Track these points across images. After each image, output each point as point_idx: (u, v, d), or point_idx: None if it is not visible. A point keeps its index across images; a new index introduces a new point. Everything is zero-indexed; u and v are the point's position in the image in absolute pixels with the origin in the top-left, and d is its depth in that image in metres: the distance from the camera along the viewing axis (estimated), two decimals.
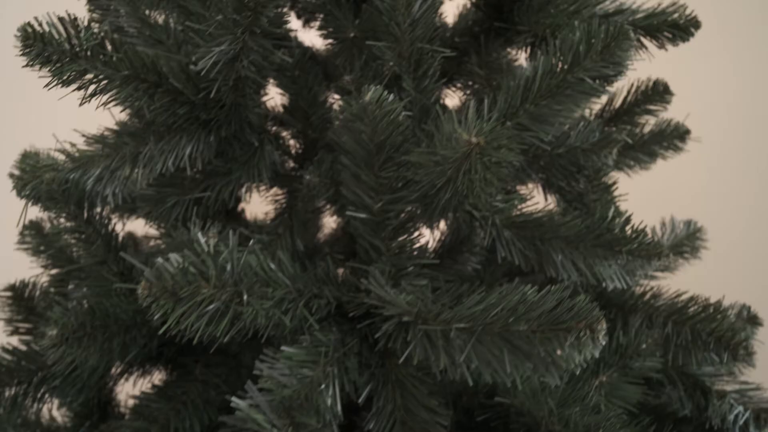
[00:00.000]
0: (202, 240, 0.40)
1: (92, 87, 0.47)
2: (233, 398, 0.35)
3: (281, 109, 0.69)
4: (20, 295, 0.71)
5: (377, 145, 0.40)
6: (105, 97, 0.48)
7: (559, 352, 0.33)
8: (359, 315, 0.46)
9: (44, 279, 0.70)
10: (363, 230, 0.46)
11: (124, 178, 0.54)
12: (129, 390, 0.63)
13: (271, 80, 0.67)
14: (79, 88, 0.46)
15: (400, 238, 0.45)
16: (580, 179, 0.58)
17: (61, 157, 0.53)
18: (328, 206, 0.72)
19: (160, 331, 0.36)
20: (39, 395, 0.51)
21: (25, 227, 0.68)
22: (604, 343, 0.34)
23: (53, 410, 0.75)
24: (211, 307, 0.39)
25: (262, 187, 0.69)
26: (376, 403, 0.45)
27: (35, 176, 0.51)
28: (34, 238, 0.67)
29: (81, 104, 0.46)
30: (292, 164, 0.71)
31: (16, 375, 0.50)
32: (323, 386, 0.41)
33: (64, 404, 0.72)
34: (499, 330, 0.36)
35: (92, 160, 0.54)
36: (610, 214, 0.51)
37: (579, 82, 0.47)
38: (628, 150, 0.75)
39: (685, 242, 0.76)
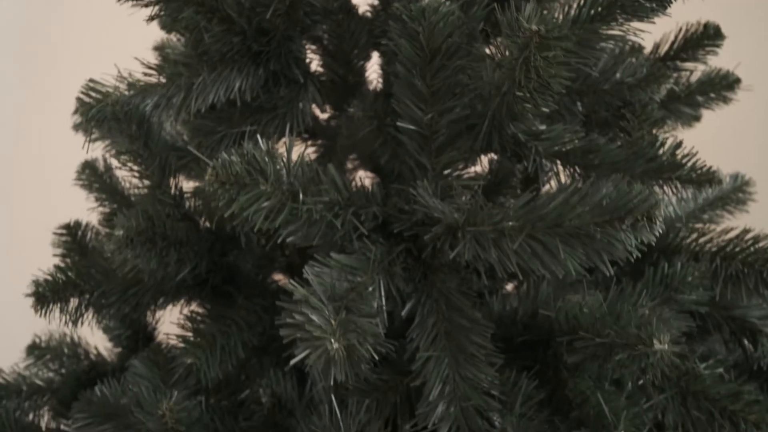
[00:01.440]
0: (261, 141, 0.42)
1: (158, 7, 0.49)
2: (290, 281, 0.37)
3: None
4: (74, 234, 0.74)
5: (432, 51, 0.40)
6: (168, 20, 0.51)
7: (615, 237, 0.33)
8: (404, 230, 0.47)
9: (96, 218, 0.73)
10: (410, 146, 0.47)
11: (178, 105, 0.56)
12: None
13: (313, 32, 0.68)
14: (146, 5, 0.48)
15: (448, 154, 0.46)
16: (626, 114, 0.58)
17: (123, 85, 0.55)
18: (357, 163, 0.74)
19: (227, 214, 0.37)
20: (99, 307, 0.53)
21: (81, 166, 0.72)
22: (661, 231, 0.34)
23: (101, 348, 0.79)
24: (268, 203, 0.40)
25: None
26: (420, 314, 0.46)
27: (100, 100, 0.54)
28: (89, 176, 0.71)
29: (148, 23, 0.49)
30: (331, 111, 0.72)
31: (79, 288, 0.53)
32: (371, 289, 0.42)
33: (113, 339, 0.76)
34: (552, 222, 0.36)
35: (151, 88, 0.56)
36: (660, 139, 0.51)
37: (632, 2, 0.47)
38: (672, 102, 0.74)
39: (731, 195, 0.74)
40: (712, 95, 0.74)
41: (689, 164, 0.49)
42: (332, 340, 0.33)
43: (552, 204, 0.37)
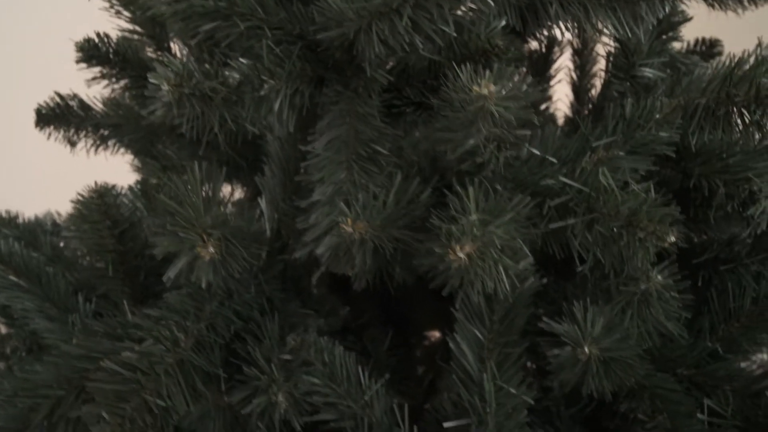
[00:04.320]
0: None
1: None
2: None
3: None
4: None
5: None
6: None
7: None
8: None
9: None
10: None
11: None
12: None
13: None
14: None
15: None
16: None
17: None
18: None
19: None
20: (95, 138, 0.62)
21: None
22: None
23: None
24: None
25: None
26: (327, 120, 0.46)
27: None
28: None
29: None
30: None
31: (78, 116, 0.62)
32: (270, 84, 0.43)
33: None
34: None
35: None
36: None
37: None
38: None
39: None
40: None
41: None
42: (165, 84, 0.35)
43: None
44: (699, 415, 0.43)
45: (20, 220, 0.74)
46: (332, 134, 0.46)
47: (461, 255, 0.32)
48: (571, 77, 0.80)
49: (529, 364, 0.49)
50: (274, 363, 0.39)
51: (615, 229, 0.38)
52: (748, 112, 0.43)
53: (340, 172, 0.45)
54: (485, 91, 0.32)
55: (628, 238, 0.37)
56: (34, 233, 0.73)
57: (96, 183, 0.49)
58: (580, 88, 0.81)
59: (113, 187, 0.50)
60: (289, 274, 0.58)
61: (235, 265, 0.36)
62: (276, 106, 0.44)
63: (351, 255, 0.37)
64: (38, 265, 0.61)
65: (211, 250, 0.33)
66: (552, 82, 0.82)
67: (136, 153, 0.65)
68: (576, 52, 0.80)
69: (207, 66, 0.38)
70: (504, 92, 0.32)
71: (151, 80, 0.36)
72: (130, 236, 0.49)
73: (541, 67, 0.75)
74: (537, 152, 0.46)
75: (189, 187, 0.35)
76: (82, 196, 0.48)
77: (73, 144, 0.62)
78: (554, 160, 0.46)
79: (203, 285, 0.35)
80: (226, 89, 0.38)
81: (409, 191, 0.41)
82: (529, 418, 0.48)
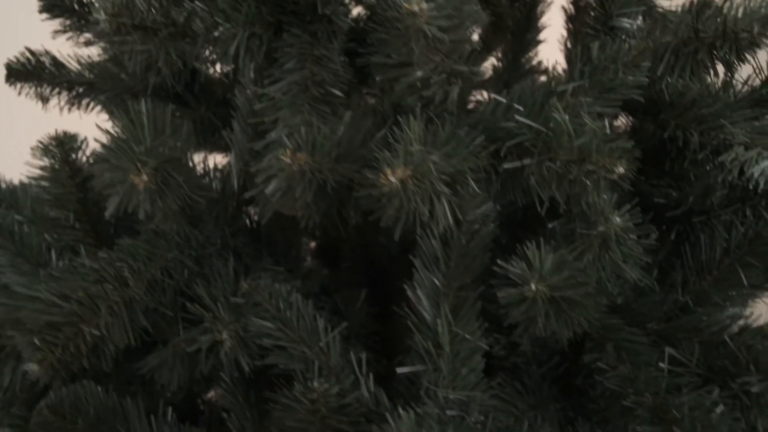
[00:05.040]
0: None
1: None
2: None
3: None
4: None
5: None
6: None
7: None
8: None
9: None
10: None
11: None
12: None
13: None
14: None
15: None
16: None
17: None
18: None
19: None
20: (71, 95, 0.61)
21: None
22: None
23: None
24: None
25: None
26: (285, 64, 0.45)
27: None
28: None
29: None
30: None
31: (51, 74, 0.61)
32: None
33: None
34: None
35: None
36: None
37: None
38: None
39: None
40: None
41: None
42: (103, 14, 0.35)
43: None
44: (660, 364, 0.42)
45: (2, 184, 0.75)
46: (291, 78, 0.45)
47: (393, 179, 0.31)
48: (565, 45, 0.79)
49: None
50: (221, 302, 0.39)
51: (568, 166, 0.37)
52: (716, 50, 0.41)
53: (296, 116, 0.44)
54: (416, 8, 0.31)
55: (579, 172, 0.35)
56: (15, 195, 0.74)
57: (56, 131, 0.49)
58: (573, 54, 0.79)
59: (75, 135, 0.50)
60: (264, 232, 0.58)
61: (174, 197, 0.35)
62: (232, 50, 0.44)
63: (293, 189, 0.36)
64: (12, 222, 0.61)
65: (145, 178, 0.33)
66: (540, 47, 0.80)
67: (112, 112, 0.65)
68: (569, 19, 0.78)
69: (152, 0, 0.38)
70: (437, 11, 0.31)
71: (93, 14, 0.35)
72: (92, 185, 0.49)
73: (524, 26, 0.73)
74: (501, 99, 0.44)
75: (131, 119, 0.35)
76: (41, 143, 0.48)
77: (45, 100, 0.61)
78: (520, 108, 0.45)
79: (140, 215, 0.34)
80: (171, 24, 0.38)
81: (362, 129, 0.40)
82: (498, 376, 0.48)
